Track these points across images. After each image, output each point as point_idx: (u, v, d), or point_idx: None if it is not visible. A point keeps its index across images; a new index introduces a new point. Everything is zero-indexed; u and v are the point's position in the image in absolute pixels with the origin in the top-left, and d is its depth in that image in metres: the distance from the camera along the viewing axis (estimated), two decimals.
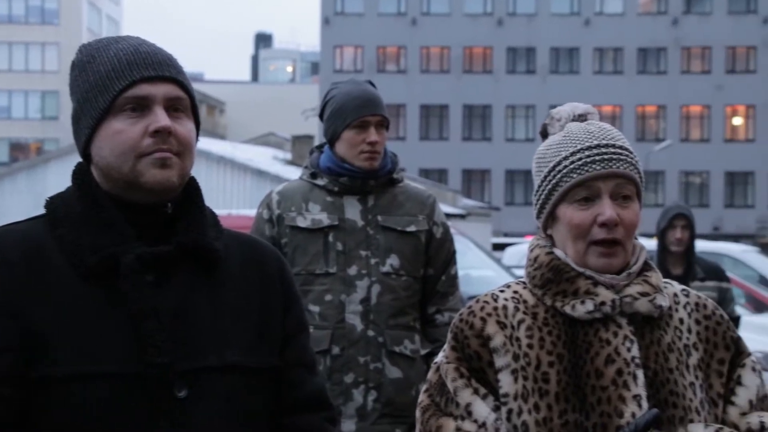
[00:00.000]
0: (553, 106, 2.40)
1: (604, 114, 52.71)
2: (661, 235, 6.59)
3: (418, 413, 2.20)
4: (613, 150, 2.16)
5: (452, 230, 4.26)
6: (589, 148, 2.16)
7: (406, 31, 55.56)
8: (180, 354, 1.92)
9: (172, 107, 1.99)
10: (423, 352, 3.91)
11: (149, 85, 1.96)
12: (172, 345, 1.91)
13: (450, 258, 4.02)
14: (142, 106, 1.96)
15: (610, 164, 2.14)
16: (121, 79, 1.96)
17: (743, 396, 2.17)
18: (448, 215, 25.46)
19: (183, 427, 1.91)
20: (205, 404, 1.93)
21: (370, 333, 3.81)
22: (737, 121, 55.11)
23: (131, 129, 1.95)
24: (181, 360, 1.92)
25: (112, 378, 1.87)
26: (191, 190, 2.05)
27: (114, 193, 1.98)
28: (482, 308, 2.17)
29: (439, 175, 53.07)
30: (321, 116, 4.00)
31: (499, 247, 21.56)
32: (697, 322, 2.21)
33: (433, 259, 3.95)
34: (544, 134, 2.28)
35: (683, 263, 6.62)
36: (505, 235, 41.48)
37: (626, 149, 2.18)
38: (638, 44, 54.74)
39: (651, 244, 7.67)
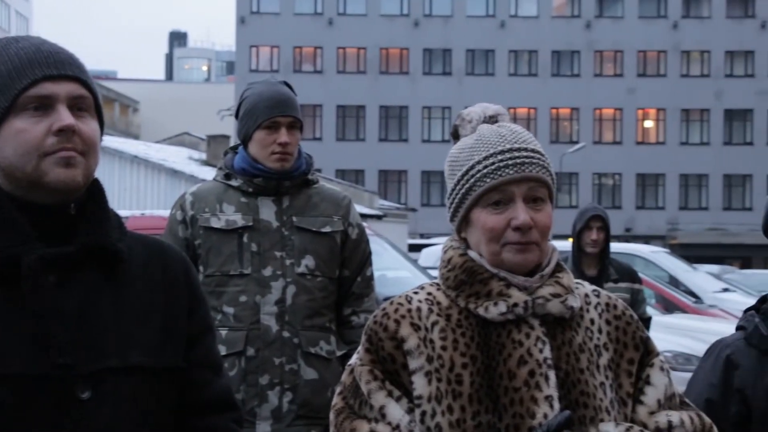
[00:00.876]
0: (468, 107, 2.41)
1: (519, 116, 53.27)
2: (577, 236, 6.65)
3: (331, 416, 2.19)
4: (525, 154, 2.17)
5: (368, 231, 4.27)
6: (502, 152, 2.17)
7: (322, 32, 55.50)
8: (83, 355, 1.90)
9: (75, 106, 1.97)
10: (339, 353, 3.90)
11: (52, 83, 1.94)
12: (75, 346, 1.90)
13: (366, 259, 4.02)
14: (45, 105, 1.94)
15: (522, 168, 2.15)
16: (22, 78, 1.93)
17: (652, 395, 2.19)
18: (365, 216, 25.49)
19: (86, 429, 1.89)
20: (109, 406, 1.92)
21: (286, 334, 3.79)
22: (648, 124, 56.10)
23: (34, 128, 1.93)
24: (84, 361, 1.90)
25: (14, 379, 1.85)
26: (95, 190, 2.03)
27: (16, 193, 1.95)
28: (396, 310, 2.17)
29: (355, 176, 53.11)
30: (237, 116, 3.98)
31: (416, 248, 21.64)
32: (608, 322, 2.23)
33: (349, 260, 3.95)
34: (456, 135, 2.28)
35: (598, 264, 6.69)
36: (422, 236, 41.67)
37: (538, 152, 2.20)
38: (552, 47, 55.41)
39: (565, 245, 7.76)
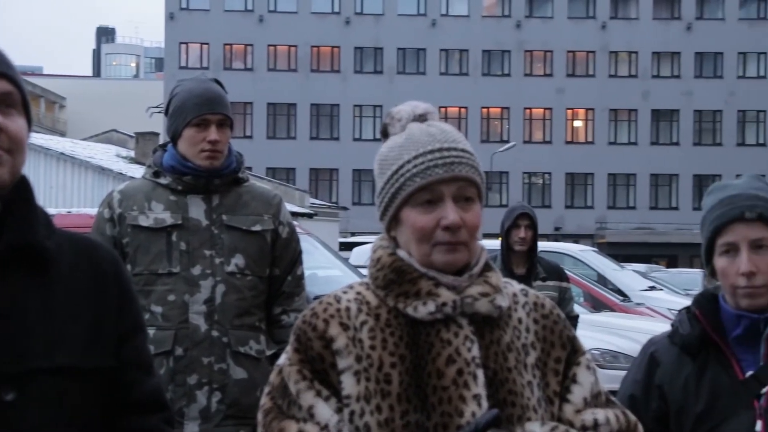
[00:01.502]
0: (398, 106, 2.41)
1: (450, 115, 53.53)
2: (506, 234, 6.69)
3: (260, 416, 2.18)
4: (455, 153, 2.18)
5: (299, 230, 4.26)
6: (431, 151, 2.17)
7: (253, 29, 55.23)
8: (7, 356, 1.87)
9: (2, 103, 1.94)
10: (268, 352, 3.88)
11: None
12: None
13: (296, 258, 4.01)
14: None
15: (452, 168, 2.16)
16: None
17: (578, 393, 2.21)
18: (296, 215, 25.43)
19: (12, 431, 1.86)
20: (35, 407, 1.89)
21: (215, 333, 3.77)
22: (578, 123, 56.72)
23: None
24: (8, 362, 1.87)
25: None
26: (22, 188, 2.00)
27: None
28: (325, 310, 2.16)
29: (286, 174, 52.95)
30: (166, 113, 3.94)
31: (347, 246, 21.65)
32: (535, 321, 2.25)
33: (279, 259, 3.94)
34: (385, 134, 2.27)
35: (526, 263, 6.73)
36: (353, 234, 41.68)
37: (467, 152, 2.20)
38: (483, 46, 55.76)
39: (495, 244, 7.80)
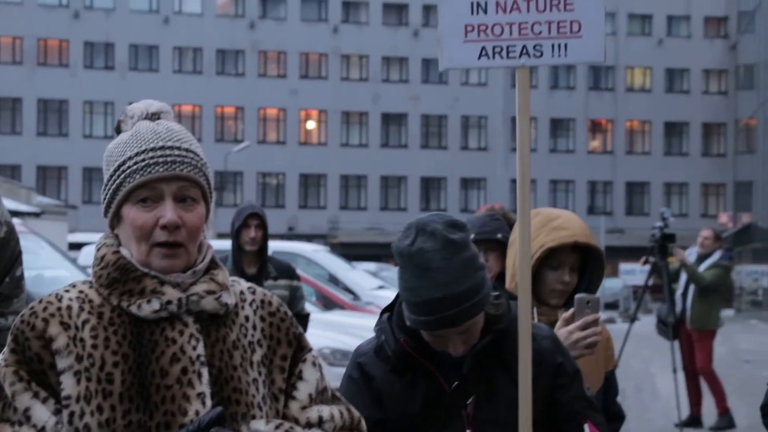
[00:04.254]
0: (133, 103, 2.38)
1: (184, 113, 52.91)
2: (236, 234, 6.69)
3: None
4: (177, 152, 2.16)
5: (23, 229, 4.09)
6: (154, 149, 2.16)
7: None
8: None
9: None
10: None
11: None
12: None
13: (15, 258, 3.85)
14: None
15: (173, 167, 2.15)
16: None
17: (304, 390, 2.24)
18: (21, 213, 24.41)
19: None
20: None
21: None
22: (311, 125, 57.37)
23: None
24: None
25: None
26: None
27: None
28: (45, 309, 2.11)
29: (11, 171, 50.70)
30: None
31: (76, 246, 20.96)
32: (262, 318, 2.26)
33: None
34: (119, 131, 2.25)
35: (257, 262, 6.76)
36: (83, 234, 40.43)
37: (192, 152, 2.19)
38: (217, 45, 55.44)
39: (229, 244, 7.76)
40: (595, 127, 59.26)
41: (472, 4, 2.91)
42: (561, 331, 3.06)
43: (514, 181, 56.15)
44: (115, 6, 54.79)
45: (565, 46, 2.91)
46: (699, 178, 59.15)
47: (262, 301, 2.28)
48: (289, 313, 2.33)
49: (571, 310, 3.11)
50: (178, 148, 2.17)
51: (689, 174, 58.93)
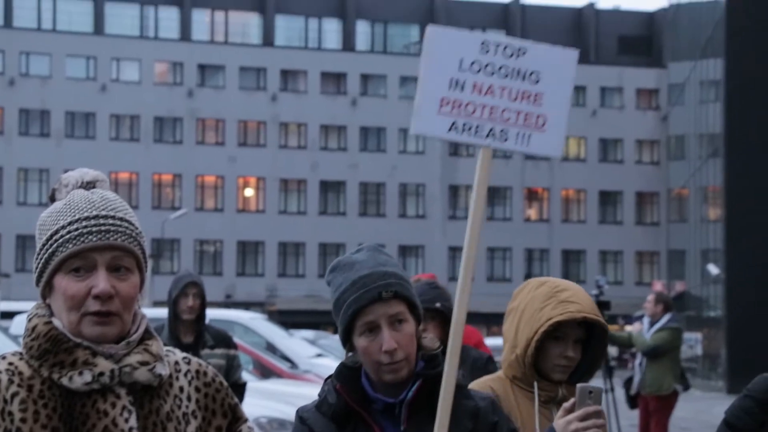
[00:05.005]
0: (68, 171, 2.36)
1: (121, 181, 52.58)
2: (173, 303, 6.63)
3: None
4: (112, 222, 2.15)
5: None
6: (88, 218, 2.14)
7: None
8: None
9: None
10: None
11: None
12: None
13: None
14: None
15: (107, 236, 2.13)
16: None
17: None
18: None
19: None
20: None
21: None
22: (249, 192, 57.28)
23: None
24: None
25: None
26: None
27: None
28: None
29: None
30: None
31: (8, 315, 20.59)
32: (197, 389, 2.24)
33: None
34: (53, 199, 2.23)
35: (194, 331, 6.69)
36: (15, 302, 39.76)
37: (127, 221, 2.18)
38: (155, 113, 55.35)
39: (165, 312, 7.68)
40: (532, 196, 59.91)
41: (451, 79, 3.03)
42: (560, 422, 2.96)
43: (452, 248, 56.78)
44: (52, 73, 54.56)
45: (529, 136, 3.08)
46: (633, 246, 59.92)
47: (197, 372, 2.26)
48: (225, 383, 2.31)
49: (572, 400, 3.01)
50: (113, 218, 2.16)
51: (624, 242, 59.69)
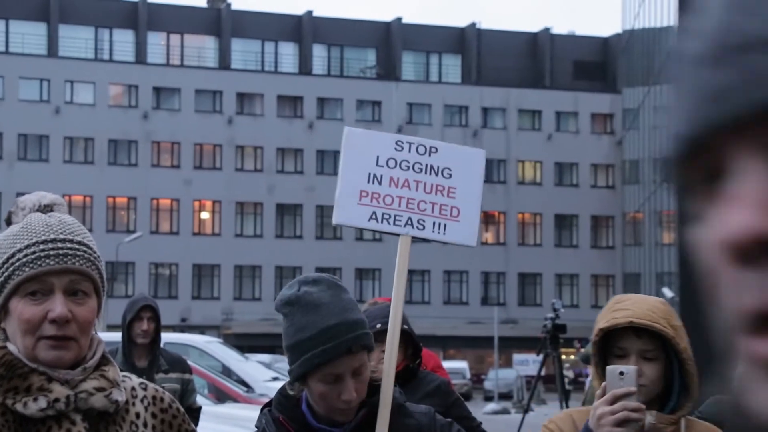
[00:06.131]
0: (21, 194, 2.34)
1: (75, 204, 52.13)
2: (128, 326, 6.58)
3: None
4: (69, 246, 2.14)
5: None
6: (45, 242, 2.12)
7: None
8: None
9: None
10: None
11: None
12: None
13: None
14: None
15: (65, 260, 2.12)
16: None
17: None
18: None
19: None
20: None
21: None
22: (205, 215, 57.04)
23: None
24: None
25: None
26: None
27: None
28: None
29: None
30: None
31: None
32: (154, 415, 2.23)
33: None
34: (9, 223, 2.22)
35: (149, 355, 6.64)
36: None
37: (85, 245, 2.16)
38: (109, 135, 55.04)
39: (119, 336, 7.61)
40: (488, 219, 60.14)
41: (369, 174, 3.23)
42: (591, 408, 2.73)
43: (409, 271, 56.78)
44: (4, 95, 54.12)
45: (445, 226, 3.27)
46: (589, 269, 60.30)
47: (154, 398, 2.25)
48: (181, 409, 2.30)
49: (605, 383, 2.72)
50: (71, 241, 2.14)
51: (579, 265, 60.05)
